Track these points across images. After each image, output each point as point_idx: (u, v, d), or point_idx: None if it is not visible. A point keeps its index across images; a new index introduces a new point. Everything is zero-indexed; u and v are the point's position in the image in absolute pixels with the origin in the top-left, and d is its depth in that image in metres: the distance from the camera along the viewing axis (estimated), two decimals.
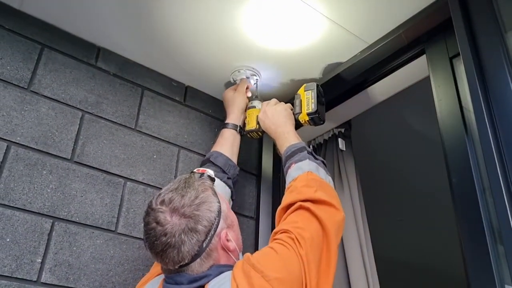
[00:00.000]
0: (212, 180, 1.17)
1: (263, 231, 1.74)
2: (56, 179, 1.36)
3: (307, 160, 1.28)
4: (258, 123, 1.57)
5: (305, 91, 1.51)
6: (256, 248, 1.70)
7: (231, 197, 1.47)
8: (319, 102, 1.47)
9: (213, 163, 1.46)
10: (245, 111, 1.64)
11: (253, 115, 1.61)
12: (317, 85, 1.50)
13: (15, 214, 1.26)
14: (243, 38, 1.51)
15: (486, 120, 1.05)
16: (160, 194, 1.07)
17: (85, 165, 1.43)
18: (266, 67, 1.65)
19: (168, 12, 1.43)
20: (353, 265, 1.63)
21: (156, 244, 1.02)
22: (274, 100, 1.56)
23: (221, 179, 1.43)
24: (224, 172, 1.45)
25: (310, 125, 1.52)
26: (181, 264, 1.01)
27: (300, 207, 1.15)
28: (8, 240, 1.23)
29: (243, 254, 1.08)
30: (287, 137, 1.40)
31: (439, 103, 1.28)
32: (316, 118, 1.48)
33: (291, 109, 1.52)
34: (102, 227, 1.40)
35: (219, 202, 1.09)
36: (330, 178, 1.31)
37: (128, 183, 1.50)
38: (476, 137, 1.13)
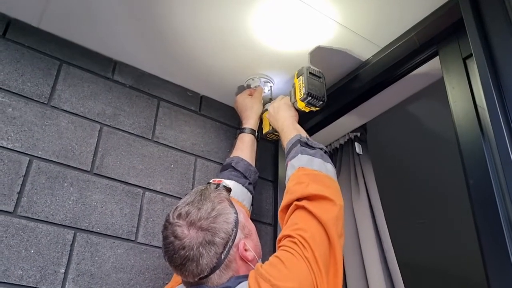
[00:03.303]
0: (228, 190, 1.17)
1: None
2: (77, 191, 1.40)
3: (299, 155, 1.27)
4: (270, 123, 1.59)
5: (297, 78, 1.49)
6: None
7: (251, 203, 1.47)
8: (310, 83, 1.44)
9: (234, 168, 1.47)
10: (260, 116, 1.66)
11: (266, 118, 1.64)
12: (308, 68, 1.47)
13: (38, 226, 1.30)
14: (256, 46, 1.53)
15: (501, 120, 1.05)
16: (177, 208, 1.08)
17: (104, 176, 1.47)
18: (280, 74, 1.67)
19: (181, 25, 1.46)
20: (372, 270, 1.61)
21: (175, 257, 1.03)
22: (280, 96, 1.57)
23: (242, 185, 1.44)
24: (245, 177, 1.46)
25: (312, 110, 1.50)
26: (201, 276, 1.02)
27: (296, 207, 1.15)
28: (32, 251, 1.26)
29: (262, 261, 1.08)
30: (286, 132, 1.41)
31: (453, 104, 1.28)
32: (312, 101, 1.45)
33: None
34: (122, 237, 1.43)
35: (236, 213, 1.10)
36: (329, 165, 1.28)
37: (146, 193, 1.53)
38: (492, 137, 1.12)
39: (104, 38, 1.55)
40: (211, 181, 1.23)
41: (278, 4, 1.36)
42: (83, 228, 1.37)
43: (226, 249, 1.03)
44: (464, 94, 1.26)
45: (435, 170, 2.65)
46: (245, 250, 1.07)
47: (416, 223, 3.25)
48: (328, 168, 1.27)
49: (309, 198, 1.15)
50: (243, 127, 1.61)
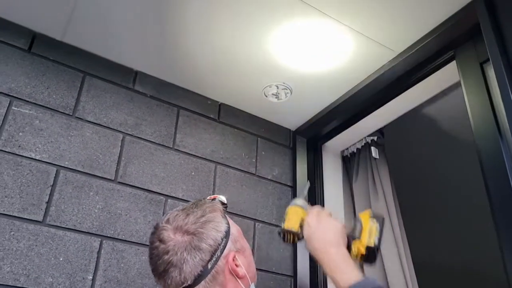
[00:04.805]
0: (224, 205, 1.09)
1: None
2: (102, 199, 1.44)
3: None
4: (301, 226, 1.19)
5: (370, 217, 1.19)
6: (295, 258, 1.73)
7: None
8: (380, 239, 1.18)
9: None
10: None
11: (296, 214, 1.22)
12: (383, 219, 1.21)
13: (66, 234, 1.34)
14: (274, 55, 1.56)
15: None
16: (166, 214, 1.04)
17: (128, 185, 1.50)
18: (298, 82, 1.69)
19: (201, 37, 1.50)
20: (392, 273, 1.63)
21: (159, 264, 0.96)
22: (327, 211, 1.21)
23: None
24: None
25: (360, 259, 1.16)
26: (184, 286, 0.94)
27: None
28: (61, 259, 1.30)
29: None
30: (342, 268, 1.03)
31: (471, 108, 1.29)
32: (371, 255, 1.15)
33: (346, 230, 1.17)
34: (146, 244, 1.44)
35: (228, 224, 1.03)
36: None
37: (169, 200, 1.56)
38: (511, 140, 1.14)
39: (125, 50, 1.59)
40: (207, 198, 1.14)
41: (294, 14, 1.38)
42: (109, 235, 1.41)
43: (214, 258, 0.96)
44: (481, 98, 1.27)
45: (452, 173, 2.64)
46: (236, 265, 0.99)
47: (434, 225, 3.24)
48: None
49: None
50: None
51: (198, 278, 0.94)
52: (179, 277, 0.94)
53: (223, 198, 1.12)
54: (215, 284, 0.95)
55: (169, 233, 0.98)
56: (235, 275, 0.98)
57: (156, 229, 1.01)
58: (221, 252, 0.97)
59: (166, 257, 0.95)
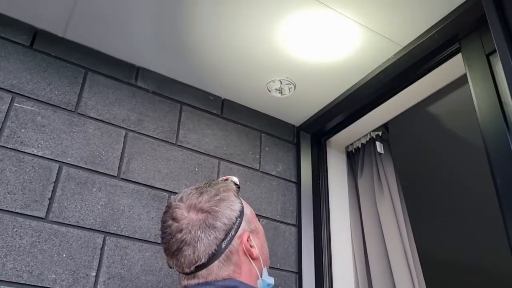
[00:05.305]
0: (236, 185, 1.09)
1: (305, 237, 1.76)
2: (105, 195, 1.43)
3: None
4: None
5: None
6: (299, 255, 1.72)
7: None
8: None
9: None
10: None
11: None
12: None
13: (69, 230, 1.33)
14: (277, 50, 1.54)
15: None
16: (179, 193, 1.03)
17: (131, 181, 1.49)
18: (302, 77, 1.68)
19: (204, 35, 1.49)
20: (397, 268, 1.61)
21: (172, 242, 0.94)
22: None
23: None
24: None
25: None
26: (197, 264, 0.92)
27: None
28: (64, 255, 1.30)
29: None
30: None
31: (478, 101, 1.27)
32: None
33: None
34: (150, 240, 1.45)
35: (241, 203, 1.02)
36: None
37: (172, 196, 1.55)
38: None
39: (126, 46, 1.58)
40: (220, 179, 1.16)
41: (300, 8, 1.37)
42: (112, 232, 1.40)
43: (228, 238, 0.94)
44: (488, 90, 1.25)
45: (459, 167, 2.62)
46: (250, 245, 0.98)
47: (440, 221, 3.22)
48: None
49: None
50: None
51: (212, 257, 0.92)
52: (192, 256, 0.92)
53: (235, 179, 1.11)
54: (229, 263, 0.94)
55: (182, 211, 0.96)
56: (249, 255, 0.97)
57: (169, 207, 1.00)
58: (236, 232, 0.96)
59: (179, 235, 0.93)
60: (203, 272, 0.93)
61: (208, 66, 1.66)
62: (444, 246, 3.53)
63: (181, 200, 0.99)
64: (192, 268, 0.93)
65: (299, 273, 1.70)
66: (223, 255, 0.93)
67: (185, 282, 0.96)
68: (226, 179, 1.11)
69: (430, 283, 1.66)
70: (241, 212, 1.00)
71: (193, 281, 0.95)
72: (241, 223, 0.98)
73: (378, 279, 1.67)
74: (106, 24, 1.49)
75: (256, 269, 0.98)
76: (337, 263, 1.75)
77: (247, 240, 0.98)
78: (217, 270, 0.93)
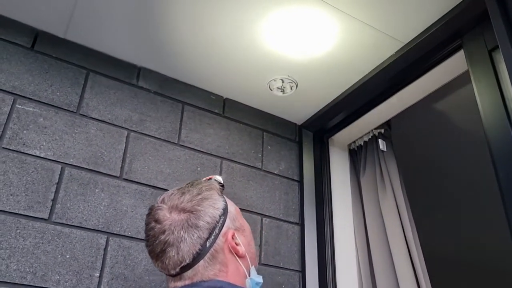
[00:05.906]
0: (220, 184, 1.08)
1: (308, 235, 1.76)
2: (108, 196, 1.43)
3: None
4: None
5: None
6: (303, 253, 1.71)
7: None
8: None
9: None
10: None
11: None
12: None
13: (72, 231, 1.33)
14: (278, 48, 1.54)
15: None
16: (162, 195, 1.03)
17: (133, 181, 1.49)
18: (303, 75, 1.67)
19: (205, 31, 1.48)
20: (401, 266, 1.61)
21: (155, 244, 0.94)
22: None
23: None
24: None
25: None
26: (182, 265, 0.92)
27: None
28: (68, 256, 1.30)
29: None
30: None
31: (480, 97, 1.26)
32: None
33: None
34: None
35: (225, 201, 1.01)
36: None
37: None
38: None
39: (127, 46, 1.58)
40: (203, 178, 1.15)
41: (299, 5, 1.36)
42: (115, 232, 1.40)
43: (212, 236, 0.93)
44: (490, 86, 1.24)
45: (462, 164, 2.62)
46: (236, 243, 0.97)
47: (443, 218, 3.22)
48: None
49: None
50: None
51: (197, 257, 0.92)
52: (176, 257, 0.92)
53: (219, 178, 1.10)
54: (215, 262, 0.93)
55: (164, 212, 0.96)
56: (235, 253, 0.97)
57: (151, 209, 0.99)
58: (220, 230, 0.95)
59: (162, 237, 0.93)
60: (188, 273, 0.93)
61: (210, 65, 1.66)
62: (448, 243, 3.53)
63: (163, 201, 0.99)
64: (177, 270, 0.93)
65: (302, 271, 1.70)
66: (208, 254, 0.93)
67: (172, 284, 0.96)
68: (210, 179, 1.10)
69: (434, 280, 1.66)
70: (225, 210, 0.99)
71: (179, 283, 0.94)
72: (225, 221, 0.98)
73: (381, 277, 1.67)
74: (107, 24, 1.48)
75: (244, 268, 0.98)
76: (340, 261, 1.74)
77: (232, 238, 0.97)
78: (203, 270, 0.92)
